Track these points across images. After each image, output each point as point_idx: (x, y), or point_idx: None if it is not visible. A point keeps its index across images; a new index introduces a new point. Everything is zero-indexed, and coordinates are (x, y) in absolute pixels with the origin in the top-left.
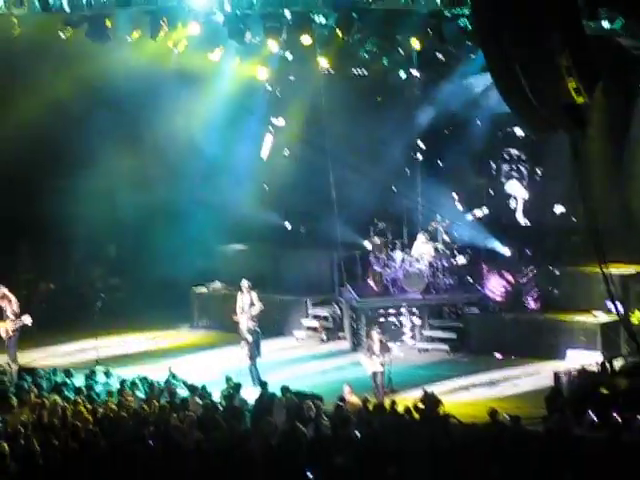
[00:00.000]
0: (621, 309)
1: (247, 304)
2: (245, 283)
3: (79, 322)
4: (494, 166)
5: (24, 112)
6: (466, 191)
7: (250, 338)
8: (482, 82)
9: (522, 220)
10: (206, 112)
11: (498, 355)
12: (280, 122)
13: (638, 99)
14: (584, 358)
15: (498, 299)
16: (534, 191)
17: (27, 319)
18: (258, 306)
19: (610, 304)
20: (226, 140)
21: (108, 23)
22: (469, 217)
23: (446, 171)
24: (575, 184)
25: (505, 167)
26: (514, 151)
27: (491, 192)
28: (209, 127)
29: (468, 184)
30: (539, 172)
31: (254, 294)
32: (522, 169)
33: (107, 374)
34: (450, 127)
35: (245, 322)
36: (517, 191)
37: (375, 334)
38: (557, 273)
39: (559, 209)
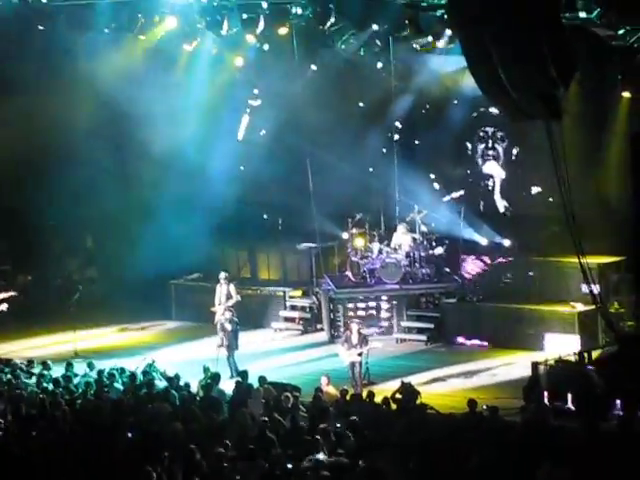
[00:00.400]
0: (599, 298)
1: (224, 296)
2: (223, 275)
3: (56, 314)
4: (470, 146)
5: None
6: (444, 174)
7: (229, 328)
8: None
9: (500, 202)
10: (184, 101)
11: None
12: (256, 102)
13: (614, 89)
14: (562, 343)
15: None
16: (511, 171)
17: (1, 306)
18: (235, 298)
19: (587, 292)
20: (206, 130)
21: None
22: (446, 199)
23: (423, 157)
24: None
25: (481, 147)
26: (490, 129)
27: (468, 173)
28: (189, 118)
29: (446, 167)
30: (515, 152)
31: (232, 286)
32: (499, 148)
33: (90, 365)
34: (426, 112)
35: (221, 314)
36: (494, 171)
37: (354, 325)
38: (535, 263)
39: (536, 189)
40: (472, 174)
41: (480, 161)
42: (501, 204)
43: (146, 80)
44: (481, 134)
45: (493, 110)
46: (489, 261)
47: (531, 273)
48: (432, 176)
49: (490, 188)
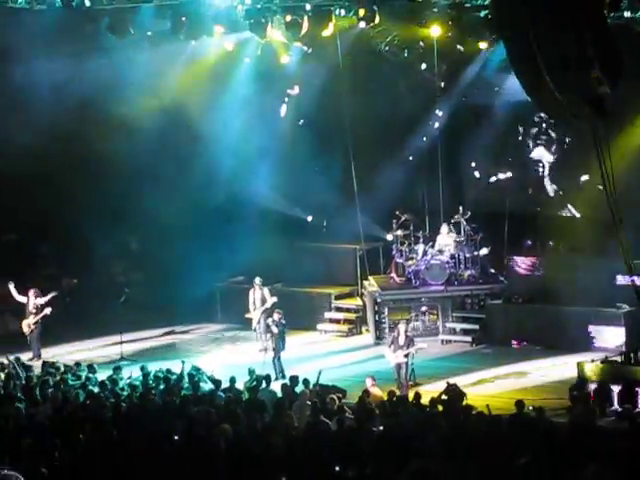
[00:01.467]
0: None
1: (259, 300)
2: (257, 280)
3: (103, 317)
4: (522, 130)
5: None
6: (491, 158)
7: (275, 330)
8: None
9: (550, 186)
10: (230, 103)
11: (515, 343)
12: (295, 91)
13: None
14: (608, 338)
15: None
16: (561, 158)
17: (46, 310)
18: (270, 301)
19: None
20: (246, 126)
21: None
22: (493, 179)
23: (469, 151)
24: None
25: (534, 131)
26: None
27: (517, 157)
28: (231, 118)
29: (494, 153)
30: (567, 140)
31: (266, 290)
32: (551, 133)
33: (142, 369)
34: (473, 107)
35: (258, 317)
36: (544, 156)
37: (401, 326)
38: (580, 262)
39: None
40: (522, 158)
41: (531, 145)
42: (551, 188)
43: (194, 84)
44: (536, 119)
45: None
46: (535, 261)
47: (577, 273)
48: (473, 164)
49: (540, 173)
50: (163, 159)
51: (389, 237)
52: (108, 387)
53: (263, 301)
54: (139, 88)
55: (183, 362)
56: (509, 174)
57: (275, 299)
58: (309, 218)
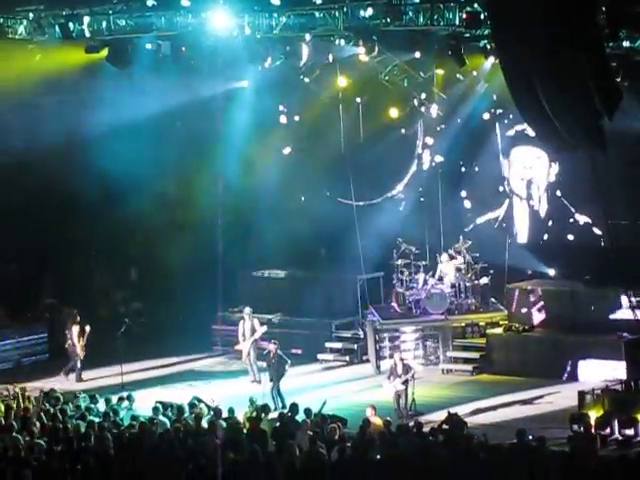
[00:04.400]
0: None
1: (249, 330)
2: (247, 310)
3: (103, 347)
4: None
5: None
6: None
7: (273, 361)
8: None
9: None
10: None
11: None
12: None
13: None
14: (609, 370)
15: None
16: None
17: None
18: (260, 330)
19: (634, 321)
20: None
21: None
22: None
23: (468, 184)
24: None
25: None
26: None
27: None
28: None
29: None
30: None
31: (256, 320)
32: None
33: (130, 399)
34: (472, 138)
35: (248, 349)
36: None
37: (397, 356)
38: (580, 291)
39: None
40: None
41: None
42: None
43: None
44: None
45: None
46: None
47: (587, 277)
48: (467, 202)
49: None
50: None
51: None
52: (111, 418)
53: (253, 331)
54: None
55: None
56: (497, 213)
57: (265, 328)
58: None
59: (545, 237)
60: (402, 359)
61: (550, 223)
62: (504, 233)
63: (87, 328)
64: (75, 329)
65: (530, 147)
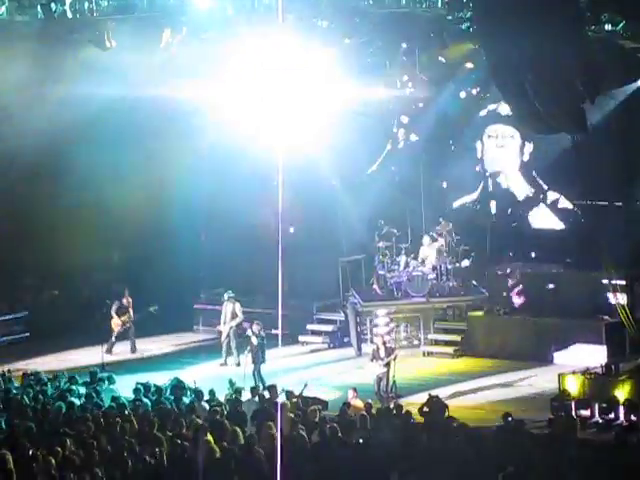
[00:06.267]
0: (627, 310)
1: (229, 314)
2: (227, 294)
3: (84, 328)
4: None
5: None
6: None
7: (255, 342)
8: None
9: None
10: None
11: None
12: None
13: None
14: (589, 354)
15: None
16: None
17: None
18: (240, 317)
19: (614, 303)
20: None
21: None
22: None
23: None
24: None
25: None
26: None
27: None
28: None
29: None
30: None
31: (237, 305)
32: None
33: (110, 380)
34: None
35: (227, 332)
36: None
37: (379, 339)
38: (561, 274)
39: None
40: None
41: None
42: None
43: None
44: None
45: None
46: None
47: (551, 285)
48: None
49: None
50: (147, 171)
51: (371, 248)
52: (93, 399)
53: (234, 316)
54: None
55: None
56: (474, 196)
57: (242, 316)
58: (291, 230)
59: (521, 219)
60: (385, 342)
61: (526, 204)
62: (483, 215)
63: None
64: (115, 305)
65: (502, 125)
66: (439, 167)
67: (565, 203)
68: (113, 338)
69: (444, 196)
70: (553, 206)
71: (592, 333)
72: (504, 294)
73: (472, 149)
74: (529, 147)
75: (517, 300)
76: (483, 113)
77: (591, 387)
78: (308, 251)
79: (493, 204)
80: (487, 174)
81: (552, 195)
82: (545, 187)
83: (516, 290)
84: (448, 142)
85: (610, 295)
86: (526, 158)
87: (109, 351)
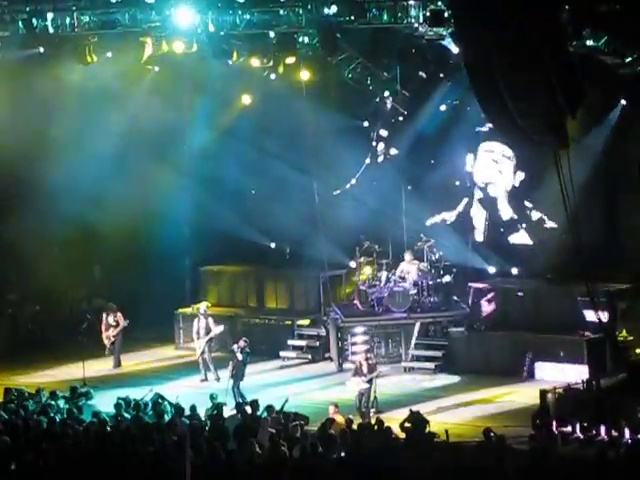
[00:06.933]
0: (604, 318)
1: (203, 329)
2: (202, 308)
3: (65, 343)
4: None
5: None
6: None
7: (239, 357)
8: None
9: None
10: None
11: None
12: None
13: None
14: (570, 370)
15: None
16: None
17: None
18: (215, 330)
19: (595, 319)
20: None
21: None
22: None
23: (429, 182)
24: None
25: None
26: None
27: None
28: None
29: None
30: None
31: (210, 319)
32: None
33: (88, 396)
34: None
35: (202, 347)
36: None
37: (362, 355)
38: (543, 291)
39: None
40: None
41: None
42: (507, 212)
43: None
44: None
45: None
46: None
47: (520, 294)
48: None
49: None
50: (123, 184)
51: (352, 264)
52: (74, 414)
53: (208, 330)
54: None
55: (151, 390)
56: (453, 213)
57: (221, 328)
58: (272, 245)
59: (504, 237)
60: (367, 358)
61: (510, 223)
62: (463, 231)
63: (118, 320)
64: (104, 320)
65: (500, 144)
66: (418, 181)
67: (550, 223)
68: (107, 351)
69: (424, 212)
70: (538, 225)
71: (573, 349)
72: (480, 309)
73: (452, 162)
74: (520, 175)
75: (486, 308)
76: (484, 129)
77: (572, 403)
78: (288, 266)
79: (479, 216)
80: (478, 185)
81: (536, 215)
82: (531, 209)
83: (490, 305)
84: (428, 156)
85: (591, 311)
86: (517, 184)
87: (116, 365)
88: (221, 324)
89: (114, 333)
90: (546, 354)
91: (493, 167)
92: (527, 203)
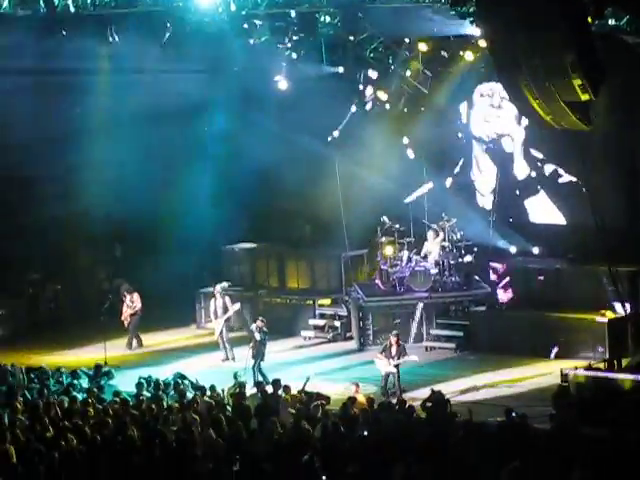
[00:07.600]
0: (628, 306)
1: (220, 308)
2: (218, 287)
3: (87, 323)
4: None
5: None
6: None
7: (258, 337)
8: None
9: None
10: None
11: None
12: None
13: None
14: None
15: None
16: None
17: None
18: (232, 309)
19: (617, 301)
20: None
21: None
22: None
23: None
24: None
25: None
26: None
27: None
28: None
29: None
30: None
31: (227, 298)
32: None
33: (109, 375)
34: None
35: (220, 327)
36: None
37: (393, 337)
38: (565, 271)
39: None
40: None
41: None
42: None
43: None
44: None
45: None
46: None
47: (541, 277)
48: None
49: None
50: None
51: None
52: (95, 394)
53: (225, 309)
54: None
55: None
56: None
57: (238, 306)
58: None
59: (519, 200)
60: (398, 341)
61: (525, 189)
62: (462, 200)
63: (135, 302)
64: (123, 300)
65: (497, 83)
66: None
67: (566, 177)
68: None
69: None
70: (552, 182)
71: (594, 328)
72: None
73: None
74: (525, 121)
75: (503, 295)
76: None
77: (593, 382)
78: (311, 245)
79: (483, 178)
80: (478, 139)
81: (549, 168)
82: (542, 158)
83: (501, 284)
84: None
85: (613, 290)
86: (522, 133)
87: (137, 344)
88: (237, 302)
89: (129, 313)
90: (568, 333)
91: (496, 113)
92: (536, 153)
